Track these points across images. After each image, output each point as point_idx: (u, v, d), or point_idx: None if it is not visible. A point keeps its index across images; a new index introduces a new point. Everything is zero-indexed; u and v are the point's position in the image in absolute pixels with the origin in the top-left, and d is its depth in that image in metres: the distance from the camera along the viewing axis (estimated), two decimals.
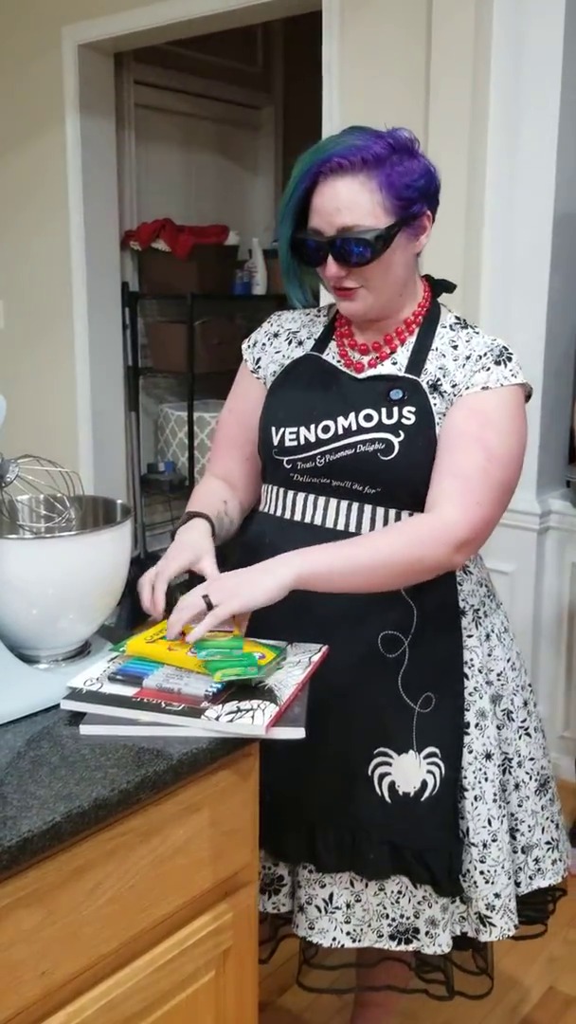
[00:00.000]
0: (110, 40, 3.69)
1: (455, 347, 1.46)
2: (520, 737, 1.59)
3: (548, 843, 1.61)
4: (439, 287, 1.55)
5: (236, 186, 4.78)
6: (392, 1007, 1.86)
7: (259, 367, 1.61)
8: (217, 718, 1.19)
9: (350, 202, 1.36)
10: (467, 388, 1.42)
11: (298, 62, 4.63)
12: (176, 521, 4.52)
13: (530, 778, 1.60)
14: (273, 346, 1.60)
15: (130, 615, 4.06)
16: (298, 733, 1.20)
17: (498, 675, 1.56)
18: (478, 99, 2.67)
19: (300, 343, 1.57)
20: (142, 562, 4.31)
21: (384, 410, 1.43)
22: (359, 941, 1.51)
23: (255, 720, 1.18)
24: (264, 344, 1.61)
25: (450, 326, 1.50)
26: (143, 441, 4.38)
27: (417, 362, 1.46)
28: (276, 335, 1.61)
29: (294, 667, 1.34)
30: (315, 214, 1.40)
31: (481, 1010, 2.06)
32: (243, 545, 1.60)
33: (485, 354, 1.44)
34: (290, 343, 1.59)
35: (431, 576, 1.43)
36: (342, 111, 2.92)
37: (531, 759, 1.60)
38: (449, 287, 1.56)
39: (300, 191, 1.39)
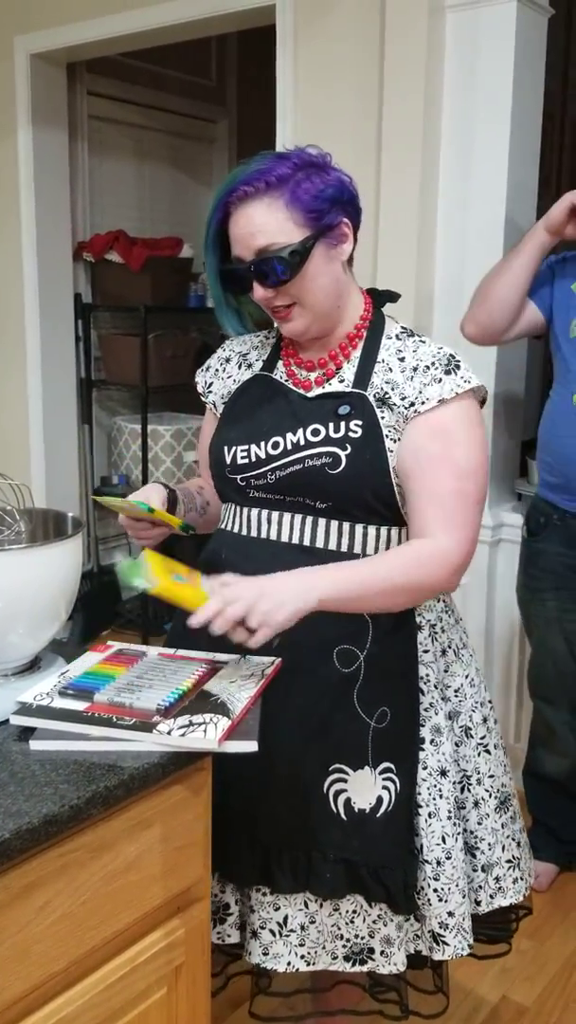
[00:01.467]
0: (63, 50, 3.67)
1: (402, 359, 1.47)
2: (479, 754, 1.59)
3: (509, 862, 1.61)
4: (383, 298, 1.57)
5: (190, 199, 4.78)
6: None
7: (210, 391, 1.64)
8: (169, 732, 1.18)
9: (261, 224, 1.39)
10: (422, 403, 1.42)
11: (252, 75, 4.65)
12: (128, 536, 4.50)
13: (490, 795, 1.59)
14: (225, 371, 1.63)
15: (83, 630, 4.04)
16: (251, 746, 1.20)
17: (455, 691, 1.57)
18: (431, 112, 2.69)
19: (249, 365, 1.60)
20: (95, 576, 4.28)
21: (332, 424, 1.44)
22: (313, 964, 1.50)
23: (207, 734, 1.18)
24: (217, 370, 1.64)
25: (396, 336, 1.51)
26: (96, 454, 4.36)
27: (363, 376, 1.47)
28: (228, 360, 1.63)
29: (247, 680, 1.33)
30: (234, 243, 1.44)
31: (436, 1020, 2.06)
32: (202, 563, 1.59)
33: (433, 364, 1.44)
34: (240, 367, 1.61)
35: (431, 598, 1.49)
36: (295, 125, 2.94)
37: (491, 776, 1.60)
38: (393, 297, 1.57)
39: (215, 223, 1.45)
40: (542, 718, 2.52)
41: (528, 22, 2.64)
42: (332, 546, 1.45)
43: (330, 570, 1.37)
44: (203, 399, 1.65)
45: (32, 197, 3.86)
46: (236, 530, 1.54)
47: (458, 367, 1.45)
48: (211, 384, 1.64)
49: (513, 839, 1.63)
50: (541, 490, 2.39)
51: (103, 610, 4.17)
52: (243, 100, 4.81)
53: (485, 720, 1.61)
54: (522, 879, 1.63)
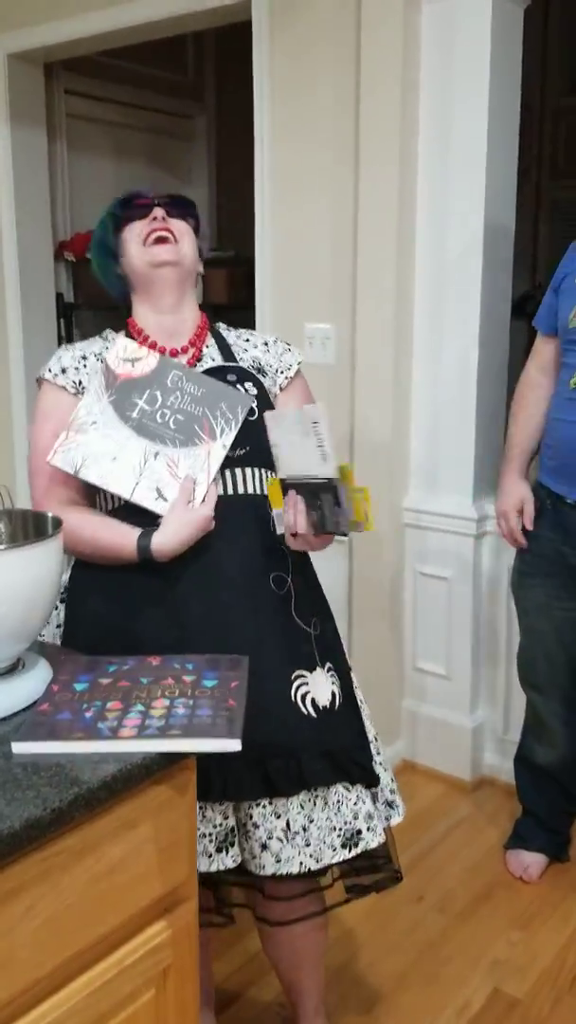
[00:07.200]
0: (40, 49, 3.64)
1: (247, 340, 1.83)
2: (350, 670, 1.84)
3: (378, 753, 1.83)
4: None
5: None
6: (322, 955, 1.94)
7: (83, 387, 1.70)
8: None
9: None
10: (287, 368, 1.81)
11: (230, 72, 4.64)
12: None
13: (362, 703, 1.83)
14: (87, 367, 1.73)
15: None
16: (234, 745, 1.20)
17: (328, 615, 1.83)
18: (408, 104, 2.69)
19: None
20: None
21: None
22: (320, 860, 1.65)
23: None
24: (78, 367, 1.73)
25: (228, 329, 1.85)
26: None
27: (228, 355, 1.77)
28: (84, 358, 1.74)
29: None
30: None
31: (428, 1013, 2.07)
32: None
33: (275, 340, 1.85)
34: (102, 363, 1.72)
35: None
36: (273, 120, 2.92)
37: (357, 687, 1.82)
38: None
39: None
40: (531, 707, 2.53)
41: (504, 13, 2.64)
42: (252, 490, 1.68)
43: None
44: (79, 397, 1.69)
45: (12, 197, 3.83)
46: None
47: (288, 343, 1.86)
48: (80, 381, 1.71)
49: (377, 740, 1.83)
50: (540, 474, 2.41)
51: None
52: (221, 96, 4.79)
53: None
54: (386, 770, 1.84)
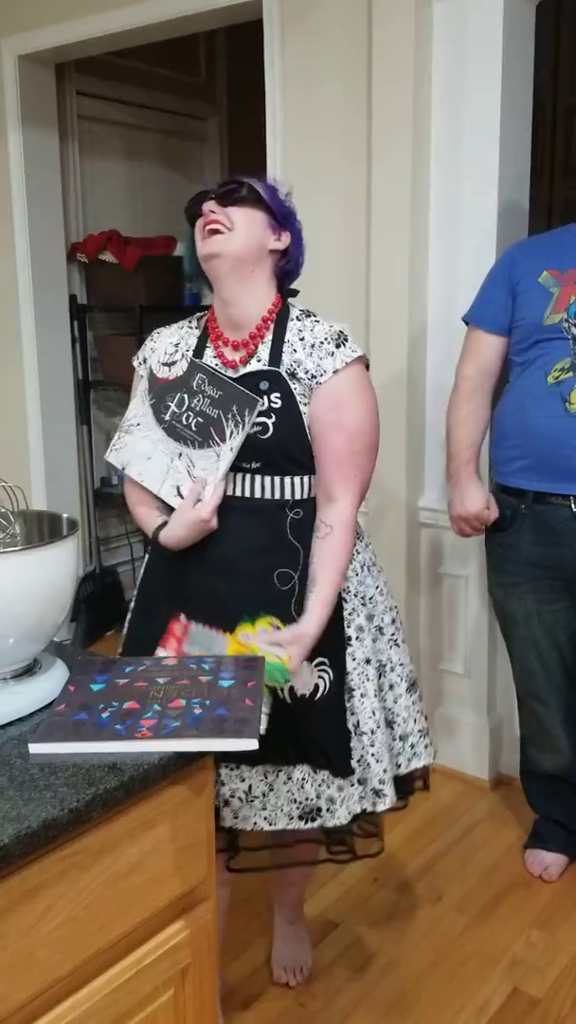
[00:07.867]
0: (51, 51, 3.65)
1: (302, 338, 1.75)
2: (391, 647, 1.93)
3: (420, 731, 1.98)
4: (288, 293, 1.85)
5: (182, 197, 4.71)
6: (306, 880, 2.24)
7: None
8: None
9: None
10: (322, 374, 1.71)
11: (242, 72, 4.63)
12: (132, 535, 4.49)
13: (401, 679, 1.94)
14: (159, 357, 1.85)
15: (86, 632, 4.03)
16: (251, 744, 1.20)
17: (370, 599, 1.89)
18: (420, 102, 2.68)
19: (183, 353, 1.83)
20: (97, 577, 4.27)
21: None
22: (274, 824, 1.80)
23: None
24: (154, 352, 1.87)
25: (296, 318, 1.78)
26: (95, 455, 4.35)
27: (276, 355, 1.74)
28: (154, 351, 1.87)
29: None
30: None
31: (447, 1013, 2.06)
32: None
33: (325, 340, 1.73)
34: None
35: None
36: (285, 120, 2.92)
37: (401, 664, 1.95)
38: (294, 292, 1.85)
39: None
40: (533, 717, 2.51)
41: (516, 10, 2.63)
42: (268, 495, 1.74)
43: (315, 614, 1.70)
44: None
45: (24, 199, 3.84)
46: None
47: (346, 340, 1.74)
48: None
49: (421, 713, 2.00)
50: (504, 479, 2.37)
51: (106, 611, 4.16)
52: (233, 96, 4.79)
53: (393, 621, 1.95)
54: (430, 745, 2.00)
